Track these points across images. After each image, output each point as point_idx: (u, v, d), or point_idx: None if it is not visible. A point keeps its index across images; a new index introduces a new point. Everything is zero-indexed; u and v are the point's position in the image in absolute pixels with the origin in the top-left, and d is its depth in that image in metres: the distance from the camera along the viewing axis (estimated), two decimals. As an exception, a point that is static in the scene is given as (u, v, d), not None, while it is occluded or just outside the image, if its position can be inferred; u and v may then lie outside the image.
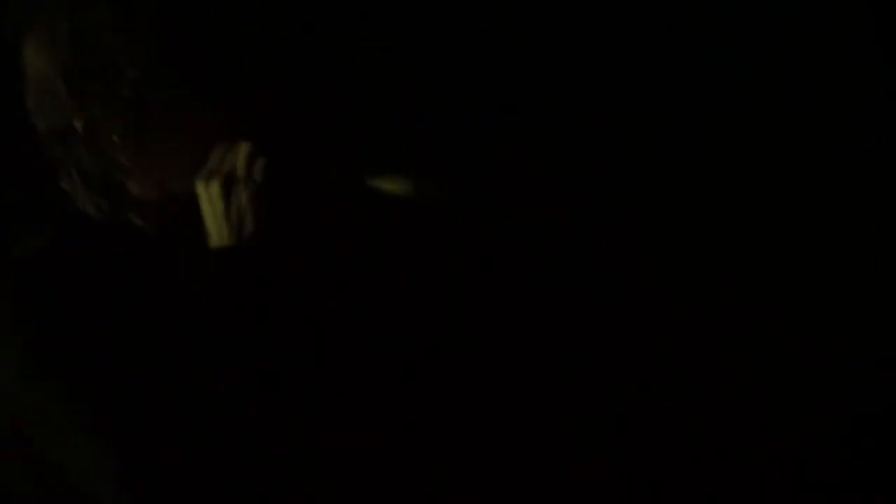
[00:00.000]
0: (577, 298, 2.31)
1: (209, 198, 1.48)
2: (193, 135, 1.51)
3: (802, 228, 2.39)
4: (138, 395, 1.38)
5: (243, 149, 1.48)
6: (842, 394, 2.37)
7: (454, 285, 2.20)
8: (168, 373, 1.39)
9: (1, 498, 1.48)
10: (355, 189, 1.50)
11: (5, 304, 1.45)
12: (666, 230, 2.38)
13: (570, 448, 2.29)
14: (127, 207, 1.54)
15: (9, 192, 1.71)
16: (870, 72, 2.36)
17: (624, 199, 2.38)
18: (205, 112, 1.52)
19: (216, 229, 1.47)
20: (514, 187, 2.25)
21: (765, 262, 2.39)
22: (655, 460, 2.34)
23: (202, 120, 1.52)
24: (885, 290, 2.37)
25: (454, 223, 2.18)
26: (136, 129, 1.50)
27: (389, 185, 1.48)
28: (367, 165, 1.49)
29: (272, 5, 2.10)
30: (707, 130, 2.39)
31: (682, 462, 2.35)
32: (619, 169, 2.37)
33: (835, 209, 2.38)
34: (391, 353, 1.77)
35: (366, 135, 1.59)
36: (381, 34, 2.22)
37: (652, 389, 2.35)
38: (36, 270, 1.46)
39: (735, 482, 2.36)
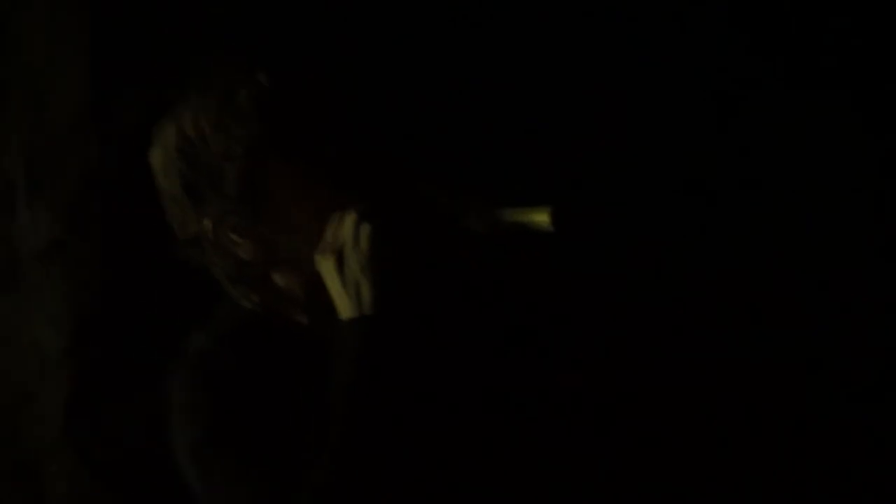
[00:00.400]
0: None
1: (328, 273, 1.50)
2: (303, 215, 1.53)
3: (803, 228, 2.39)
4: (305, 476, 1.43)
5: (349, 219, 1.49)
6: (842, 394, 2.38)
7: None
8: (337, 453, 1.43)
9: None
10: (463, 239, 1.52)
11: (182, 394, 1.52)
12: (669, 231, 2.39)
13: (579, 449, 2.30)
14: (276, 298, 1.57)
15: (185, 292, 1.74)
16: (869, 72, 2.36)
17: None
18: (309, 191, 1.54)
19: (339, 303, 1.49)
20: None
21: (765, 262, 2.40)
22: (657, 460, 2.35)
23: (308, 199, 1.54)
24: (885, 290, 2.38)
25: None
26: (248, 224, 1.52)
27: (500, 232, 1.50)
28: (468, 215, 1.51)
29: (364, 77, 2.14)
30: (707, 130, 2.40)
31: (683, 462, 2.36)
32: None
33: (835, 209, 2.39)
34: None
35: (464, 187, 1.61)
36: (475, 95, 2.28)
37: (654, 390, 2.36)
38: (210, 363, 1.53)
39: (735, 482, 2.37)
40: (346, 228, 1.48)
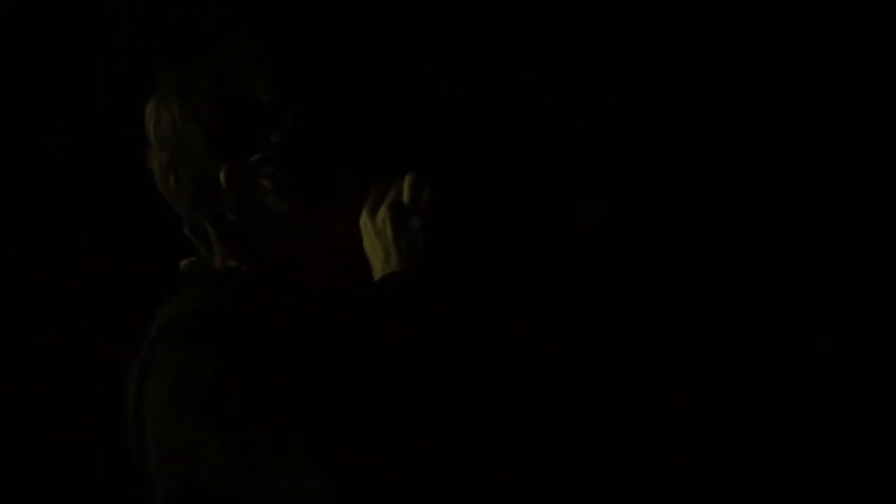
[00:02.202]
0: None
1: (376, 228, 1.48)
2: (348, 172, 1.52)
3: (803, 229, 2.39)
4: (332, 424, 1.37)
5: (409, 178, 1.48)
6: (842, 394, 2.37)
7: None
8: (355, 410, 1.38)
9: None
10: (518, 211, 1.52)
11: (180, 351, 1.44)
12: (670, 232, 2.39)
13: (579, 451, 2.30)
14: (267, 259, 1.55)
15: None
16: (870, 72, 2.36)
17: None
18: (359, 149, 1.53)
19: (384, 258, 1.47)
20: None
21: (765, 262, 2.40)
22: (658, 461, 2.35)
23: (358, 157, 1.53)
24: (885, 290, 2.37)
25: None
26: (289, 173, 1.51)
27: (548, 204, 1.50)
28: (526, 188, 1.51)
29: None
30: (707, 131, 2.40)
31: (683, 462, 2.35)
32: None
33: (835, 209, 2.39)
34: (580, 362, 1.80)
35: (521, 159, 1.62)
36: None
37: (655, 391, 2.36)
38: (206, 317, 1.47)
39: (736, 482, 2.36)
40: (406, 186, 1.48)
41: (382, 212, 1.48)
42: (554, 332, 2.00)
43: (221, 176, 1.51)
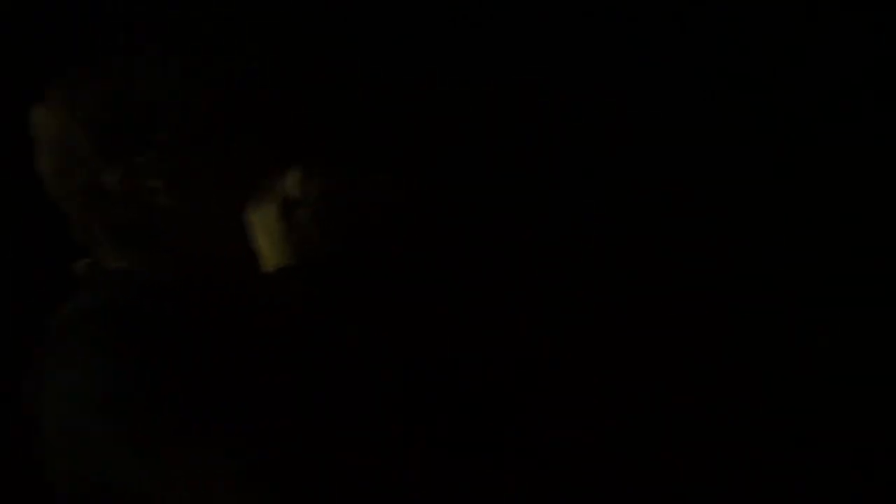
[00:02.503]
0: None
1: (265, 222, 1.48)
2: (237, 167, 1.52)
3: (803, 229, 2.39)
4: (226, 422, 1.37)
5: (296, 171, 1.48)
6: (842, 394, 2.37)
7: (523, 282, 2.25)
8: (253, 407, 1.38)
9: None
10: (411, 198, 1.52)
11: (72, 358, 1.43)
12: (667, 232, 2.39)
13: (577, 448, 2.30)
14: (160, 258, 1.54)
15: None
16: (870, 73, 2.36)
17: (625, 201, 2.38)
18: (247, 144, 1.53)
19: (274, 252, 1.47)
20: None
21: (765, 262, 2.40)
22: (658, 461, 2.35)
23: (245, 151, 1.53)
24: (885, 290, 2.37)
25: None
26: (178, 173, 1.51)
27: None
28: (419, 175, 1.51)
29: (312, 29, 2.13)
30: (707, 132, 2.40)
31: (683, 462, 2.36)
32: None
33: (835, 209, 2.39)
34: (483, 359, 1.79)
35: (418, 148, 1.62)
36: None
37: (655, 391, 2.36)
38: (101, 319, 1.46)
39: (736, 482, 2.37)
40: (294, 178, 1.48)
41: (271, 206, 1.48)
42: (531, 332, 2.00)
43: (110, 178, 1.51)
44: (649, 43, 2.38)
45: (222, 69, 1.53)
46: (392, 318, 1.49)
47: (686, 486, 2.35)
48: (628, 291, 2.38)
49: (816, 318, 2.38)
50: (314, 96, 1.59)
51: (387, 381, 1.47)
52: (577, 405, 2.32)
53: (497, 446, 1.60)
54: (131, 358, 1.40)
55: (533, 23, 2.38)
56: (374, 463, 1.41)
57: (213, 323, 1.48)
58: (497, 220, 2.14)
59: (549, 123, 2.35)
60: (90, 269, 1.58)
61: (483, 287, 2.18)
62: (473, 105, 2.28)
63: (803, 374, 2.37)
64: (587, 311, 2.35)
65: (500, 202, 1.93)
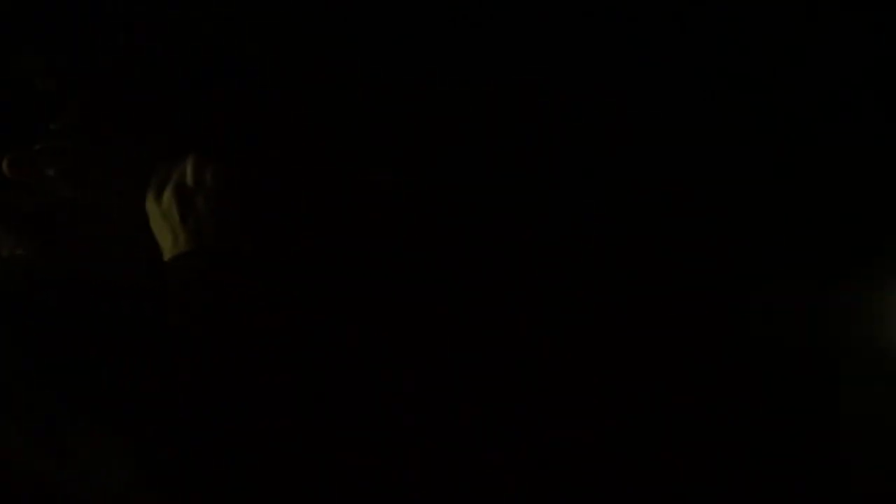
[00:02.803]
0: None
1: (162, 210, 1.48)
2: (132, 154, 1.52)
3: (803, 229, 2.39)
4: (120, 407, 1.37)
5: (192, 159, 1.48)
6: (842, 395, 2.37)
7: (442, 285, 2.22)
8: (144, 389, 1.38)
9: None
10: (311, 185, 1.51)
11: None
12: (666, 232, 2.39)
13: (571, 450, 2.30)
14: (56, 246, 1.54)
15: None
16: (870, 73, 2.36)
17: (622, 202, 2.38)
18: (141, 130, 1.53)
19: (172, 239, 1.47)
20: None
21: (765, 262, 2.40)
22: (657, 461, 2.35)
23: (140, 141, 1.53)
24: (885, 290, 2.37)
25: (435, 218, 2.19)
26: (72, 160, 1.50)
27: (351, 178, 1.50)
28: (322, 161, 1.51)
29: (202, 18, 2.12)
30: (706, 132, 2.40)
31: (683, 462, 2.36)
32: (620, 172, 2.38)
33: (835, 209, 2.39)
34: (379, 355, 1.78)
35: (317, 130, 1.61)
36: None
37: (654, 391, 2.36)
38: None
39: (736, 482, 2.37)
40: (189, 167, 1.48)
41: (168, 194, 1.48)
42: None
43: (3, 166, 1.51)
44: (649, 43, 2.38)
45: (117, 60, 1.53)
46: (285, 307, 1.49)
47: (686, 486, 2.35)
48: (628, 291, 2.38)
49: (816, 317, 2.38)
50: (209, 85, 1.58)
51: (276, 370, 1.47)
52: (577, 405, 2.32)
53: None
54: (25, 348, 1.40)
55: (534, 23, 2.38)
56: (257, 454, 1.42)
57: (110, 312, 1.48)
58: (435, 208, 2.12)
59: (543, 123, 2.35)
60: None
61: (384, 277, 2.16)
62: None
63: (803, 374, 2.38)
64: (585, 311, 2.35)
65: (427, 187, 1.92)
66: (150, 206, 1.48)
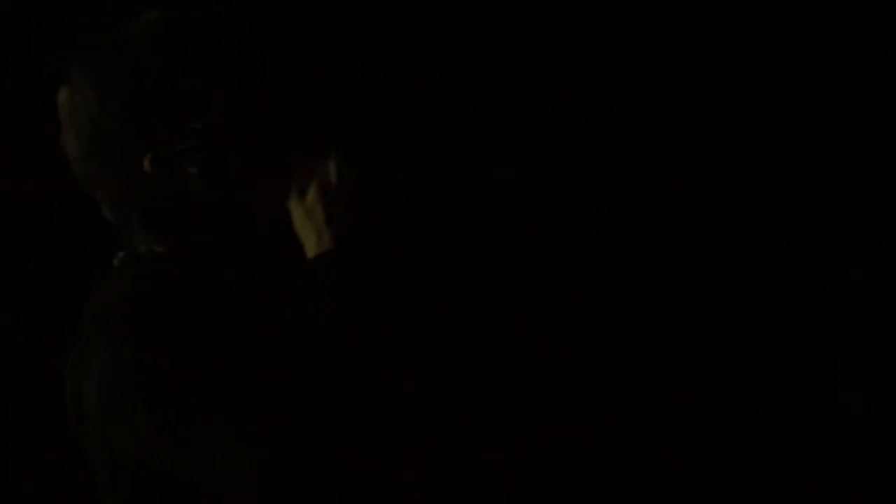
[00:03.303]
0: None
1: (306, 209, 1.48)
2: (274, 155, 1.52)
3: (802, 229, 2.39)
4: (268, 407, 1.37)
5: (335, 158, 1.49)
6: (842, 394, 2.37)
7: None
8: (291, 392, 1.38)
9: None
10: (448, 187, 1.52)
11: (116, 342, 1.43)
12: (666, 232, 2.39)
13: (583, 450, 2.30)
14: (194, 243, 1.55)
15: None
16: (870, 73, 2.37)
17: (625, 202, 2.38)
18: (285, 131, 1.53)
19: (316, 238, 1.47)
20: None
21: (765, 262, 2.40)
22: (658, 461, 2.35)
23: (282, 138, 1.53)
24: (884, 290, 2.38)
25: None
26: (214, 160, 1.50)
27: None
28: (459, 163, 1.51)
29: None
30: (707, 132, 2.40)
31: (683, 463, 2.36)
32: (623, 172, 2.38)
33: (835, 209, 2.39)
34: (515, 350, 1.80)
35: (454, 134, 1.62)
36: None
37: (654, 391, 2.36)
38: (142, 304, 1.46)
39: (736, 482, 2.37)
40: (332, 166, 1.48)
41: (312, 193, 1.48)
42: (539, 330, 2.00)
43: (146, 164, 1.50)
44: (649, 43, 2.38)
45: (258, 60, 1.52)
46: (430, 305, 1.50)
47: (686, 486, 2.35)
48: (628, 291, 2.38)
49: (816, 317, 2.38)
50: (350, 85, 1.59)
51: (421, 368, 1.47)
52: (577, 405, 2.32)
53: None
54: (162, 343, 1.40)
55: (538, 23, 2.39)
56: (385, 451, 1.42)
57: (248, 309, 1.49)
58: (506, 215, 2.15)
59: (551, 123, 2.35)
60: (125, 256, 1.57)
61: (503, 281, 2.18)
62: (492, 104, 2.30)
63: (803, 374, 2.38)
64: (587, 311, 2.35)
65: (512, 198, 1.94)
66: (294, 205, 1.48)
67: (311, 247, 1.47)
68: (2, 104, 2.37)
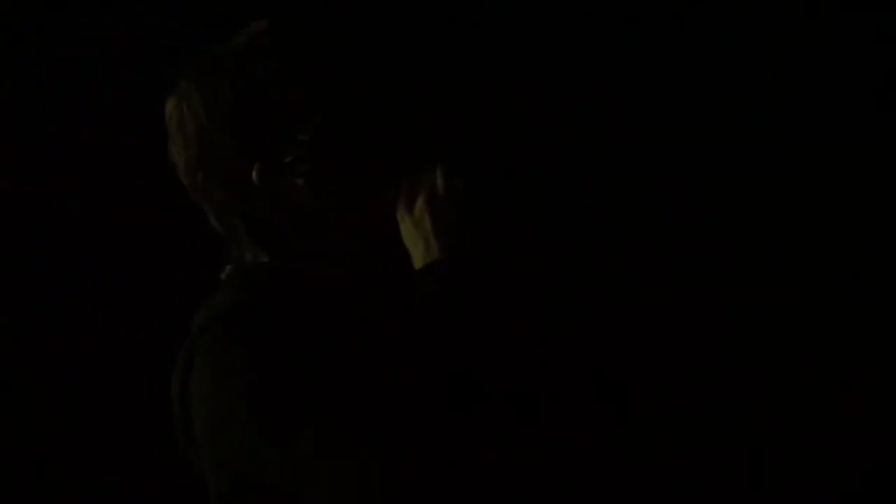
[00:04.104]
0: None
1: (414, 220, 1.49)
2: (379, 166, 1.53)
3: (802, 229, 2.39)
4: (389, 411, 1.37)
5: (439, 169, 1.49)
6: (842, 394, 2.37)
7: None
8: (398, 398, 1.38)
9: None
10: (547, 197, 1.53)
11: (218, 349, 1.44)
12: (666, 231, 2.39)
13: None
14: (300, 253, 1.55)
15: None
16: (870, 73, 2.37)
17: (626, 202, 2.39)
18: (391, 141, 1.54)
19: (424, 248, 1.47)
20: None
21: (765, 262, 2.40)
22: (658, 461, 2.35)
23: (388, 149, 1.53)
24: (884, 290, 2.38)
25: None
26: (322, 171, 1.51)
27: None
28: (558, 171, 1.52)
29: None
30: (706, 132, 2.40)
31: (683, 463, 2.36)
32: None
33: (835, 209, 2.39)
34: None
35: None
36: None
37: (656, 391, 2.36)
38: (246, 314, 1.47)
39: (736, 482, 2.37)
40: (439, 177, 1.49)
41: (419, 203, 1.49)
42: (556, 332, 2.01)
43: (253, 175, 1.51)
44: (649, 43, 2.38)
45: (361, 71, 1.53)
46: (537, 314, 1.51)
47: (686, 487, 2.35)
48: (628, 291, 2.38)
49: (815, 317, 2.38)
50: (453, 96, 1.59)
51: (532, 376, 1.48)
52: (578, 406, 2.32)
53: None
54: (269, 352, 1.41)
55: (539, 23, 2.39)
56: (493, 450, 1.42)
57: (353, 320, 1.49)
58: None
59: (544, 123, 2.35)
60: (232, 268, 1.58)
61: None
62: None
63: (802, 374, 2.38)
64: (588, 311, 2.35)
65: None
66: (401, 215, 1.48)
67: (418, 257, 1.48)
68: (1, 104, 2.38)
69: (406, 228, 1.48)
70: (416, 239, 1.47)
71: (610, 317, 2.29)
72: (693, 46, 2.38)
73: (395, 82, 1.54)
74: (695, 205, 2.40)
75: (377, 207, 1.50)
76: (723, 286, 2.39)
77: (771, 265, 2.40)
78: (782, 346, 2.38)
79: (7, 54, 2.37)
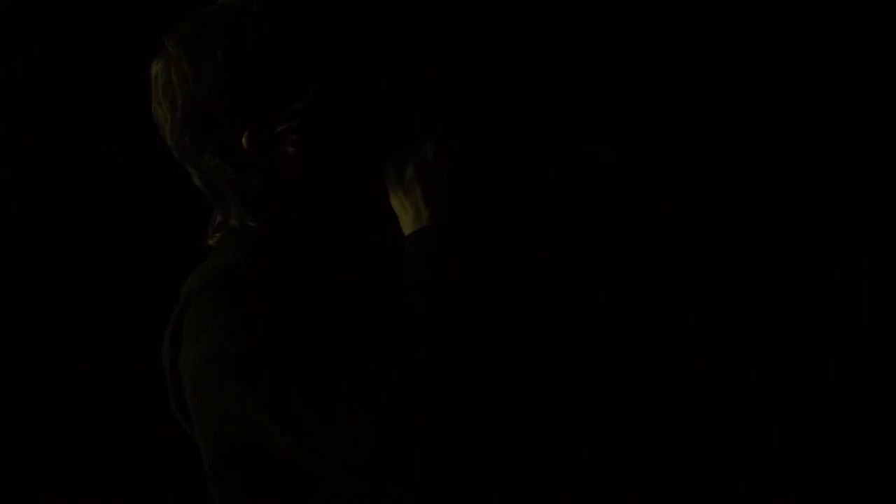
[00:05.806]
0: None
1: (404, 187, 1.48)
2: (371, 135, 1.52)
3: (801, 230, 2.40)
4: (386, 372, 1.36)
5: (429, 139, 1.49)
6: (839, 394, 2.38)
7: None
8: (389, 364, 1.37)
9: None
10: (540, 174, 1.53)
11: (211, 314, 1.44)
12: (667, 231, 2.39)
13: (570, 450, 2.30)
14: (288, 219, 1.54)
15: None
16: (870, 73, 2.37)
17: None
18: (383, 112, 1.53)
19: (414, 214, 1.47)
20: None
21: (763, 264, 2.40)
22: (656, 462, 2.35)
23: (381, 119, 1.53)
24: (884, 290, 2.38)
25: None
26: (313, 140, 1.50)
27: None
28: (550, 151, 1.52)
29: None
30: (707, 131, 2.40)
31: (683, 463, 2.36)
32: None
33: (835, 209, 2.39)
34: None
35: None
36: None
37: (654, 392, 2.36)
38: (239, 278, 1.46)
39: (736, 482, 2.37)
40: (429, 146, 1.48)
41: (410, 171, 1.48)
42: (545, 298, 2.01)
43: (244, 142, 1.50)
44: (649, 43, 2.39)
45: (360, 47, 1.52)
46: (524, 283, 1.51)
47: (686, 486, 2.35)
48: (627, 291, 2.38)
49: (814, 317, 2.38)
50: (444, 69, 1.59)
51: (518, 345, 1.48)
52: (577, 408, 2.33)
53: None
54: (260, 318, 1.40)
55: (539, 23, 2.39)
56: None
57: (341, 284, 1.49)
58: None
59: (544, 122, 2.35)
60: (220, 234, 1.58)
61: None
62: None
63: (802, 374, 2.38)
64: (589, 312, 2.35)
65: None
66: (392, 183, 1.48)
67: (407, 224, 1.47)
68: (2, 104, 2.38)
69: (396, 197, 1.48)
70: (407, 206, 1.47)
71: (594, 290, 2.29)
72: (693, 46, 2.39)
73: (390, 51, 1.54)
74: (694, 205, 2.40)
75: (368, 177, 1.50)
76: (721, 286, 2.39)
77: (771, 265, 2.40)
78: (782, 346, 2.38)
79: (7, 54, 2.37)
